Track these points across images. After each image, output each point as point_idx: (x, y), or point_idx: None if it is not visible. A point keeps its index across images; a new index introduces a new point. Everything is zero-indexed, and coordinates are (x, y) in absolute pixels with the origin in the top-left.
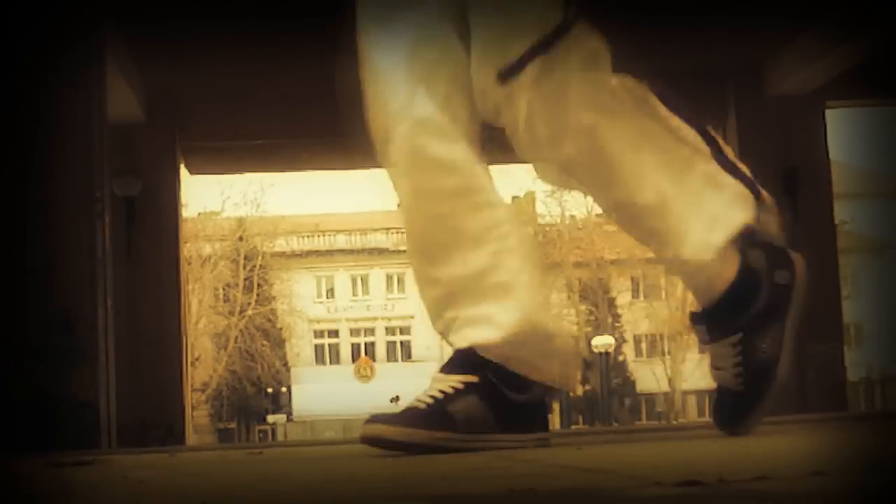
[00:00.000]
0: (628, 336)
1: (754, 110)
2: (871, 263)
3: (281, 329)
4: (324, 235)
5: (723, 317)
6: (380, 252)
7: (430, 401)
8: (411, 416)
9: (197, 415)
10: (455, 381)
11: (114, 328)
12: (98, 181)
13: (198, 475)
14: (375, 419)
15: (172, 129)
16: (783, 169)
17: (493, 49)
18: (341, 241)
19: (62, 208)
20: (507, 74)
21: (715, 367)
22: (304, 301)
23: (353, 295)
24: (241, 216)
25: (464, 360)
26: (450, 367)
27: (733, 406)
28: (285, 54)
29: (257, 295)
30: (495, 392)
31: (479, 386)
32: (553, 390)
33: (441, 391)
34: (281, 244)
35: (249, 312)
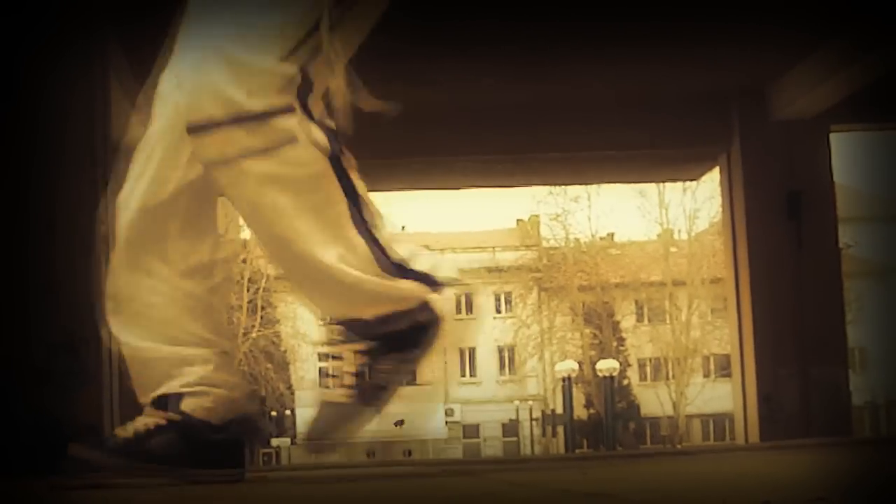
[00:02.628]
0: (632, 360)
1: (759, 134)
2: (876, 287)
3: (285, 352)
4: None
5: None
6: None
7: (130, 434)
8: (113, 444)
9: None
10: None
11: (118, 350)
12: (102, 201)
13: (203, 499)
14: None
15: None
16: (788, 193)
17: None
18: None
19: (65, 228)
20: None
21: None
22: (308, 324)
23: None
24: (244, 238)
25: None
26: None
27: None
28: None
29: (261, 318)
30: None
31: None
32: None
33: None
34: None
35: (253, 335)
